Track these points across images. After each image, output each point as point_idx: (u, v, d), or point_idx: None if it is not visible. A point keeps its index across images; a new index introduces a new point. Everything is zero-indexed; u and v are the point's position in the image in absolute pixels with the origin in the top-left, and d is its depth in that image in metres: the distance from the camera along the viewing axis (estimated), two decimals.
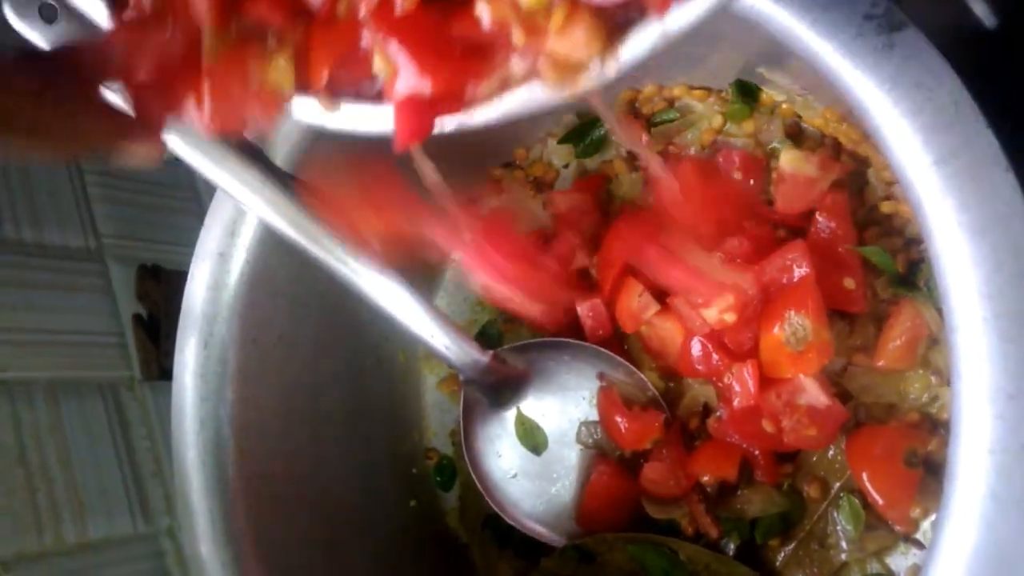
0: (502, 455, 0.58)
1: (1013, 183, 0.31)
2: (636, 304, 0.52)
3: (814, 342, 0.45)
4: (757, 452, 0.50)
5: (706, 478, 0.50)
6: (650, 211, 0.54)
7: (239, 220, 0.52)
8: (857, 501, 0.48)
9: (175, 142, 0.42)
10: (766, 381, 0.47)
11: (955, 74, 0.33)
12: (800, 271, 0.46)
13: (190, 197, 0.79)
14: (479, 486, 0.57)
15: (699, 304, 0.48)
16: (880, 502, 0.45)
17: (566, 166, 0.61)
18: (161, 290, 0.70)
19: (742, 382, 0.48)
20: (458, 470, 0.63)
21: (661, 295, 0.51)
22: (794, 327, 0.45)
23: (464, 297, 0.65)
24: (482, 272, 0.40)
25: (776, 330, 0.45)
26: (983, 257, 0.31)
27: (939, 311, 0.44)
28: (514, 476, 0.57)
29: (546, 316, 0.45)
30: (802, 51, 0.35)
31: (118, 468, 0.61)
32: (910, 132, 0.33)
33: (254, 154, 0.44)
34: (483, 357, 0.55)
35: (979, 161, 0.31)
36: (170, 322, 0.56)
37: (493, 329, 0.63)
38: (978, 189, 0.31)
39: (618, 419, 0.53)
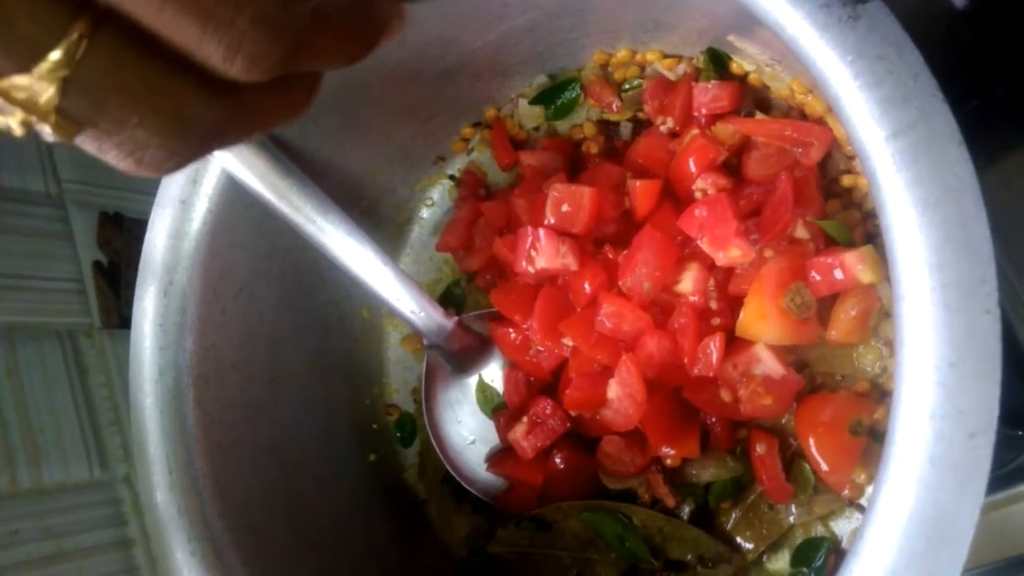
0: (462, 421, 0.58)
1: (966, 157, 0.31)
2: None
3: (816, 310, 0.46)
4: (713, 419, 0.51)
5: (669, 460, 0.51)
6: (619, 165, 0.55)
7: (202, 168, 0.51)
8: (807, 466, 0.49)
9: None
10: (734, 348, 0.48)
11: (916, 48, 0.33)
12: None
13: None
14: (438, 451, 0.57)
15: (714, 244, 0.48)
16: (823, 468, 0.46)
17: (536, 128, 0.61)
18: (123, 238, 0.69)
19: (706, 352, 0.48)
20: (418, 427, 0.63)
21: None
22: (802, 296, 0.46)
23: (429, 256, 0.65)
24: None
25: (782, 299, 0.46)
26: (933, 228, 0.31)
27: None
28: (472, 442, 0.58)
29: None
30: (768, 18, 0.35)
31: (75, 415, 0.60)
32: (869, 104, 0.33)
33: None
34: (447, 322, 0.55)
35: (934, 135, 0.32)
36: (131, 271, 0.55)
37: (457, 289, 0.63)
38: (932, 162, 0.32)
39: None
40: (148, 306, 0.51)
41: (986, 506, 0.31)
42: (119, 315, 0.66)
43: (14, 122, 0.22)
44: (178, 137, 0.24)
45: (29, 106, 0.22)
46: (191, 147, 0.24)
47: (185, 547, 0.48)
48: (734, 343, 0.48)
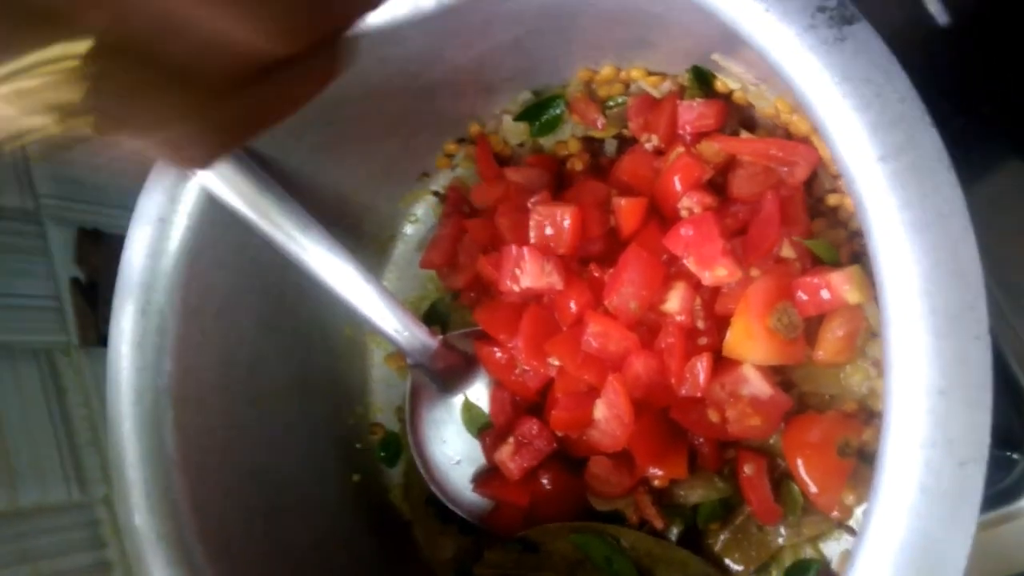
0: (447, 441, 0.57)
1: (954, 182, 0.31)
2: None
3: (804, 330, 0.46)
4: (701, 440, 0.50)
5: (657, 481, 0.50)
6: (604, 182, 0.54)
7: (181, 185, 0.50)
8: (796, 487, 0.49)
9: None
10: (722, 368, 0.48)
11: (903, 71, 0.33)
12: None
13: None
14: (423, 472, 0.56)
15: (700, 263, 0.47)
16: (812, 489, 0.46)
17: (521, 145, 0.60)
18: (101, 254, 0.68)
19: (693, 373, 0.48)
20: (403, 446, 0.62)
21: None
22: (788, 315, 0.45)
23: (414, 273, 0.64)
24: None
25: (769, 319, 0.45)
26: (922, 254, 0.31)
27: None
28: (458, 462, 0.57)
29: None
30: (753, 40, 0.35)
31: (53, 435, 0.59)
32: (856, 127, 0.33)
33: None
34: (432, 342, 0.54)
35: (923, 159, 0.32)
36: (109, 288, 0.54)
37: (442, 306, 0.63)
38: (921, 187, 0.32)
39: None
40: (125, 326, 0.50)
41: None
42: (97, 332, 0.65)
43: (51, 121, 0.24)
44: (209, 132, 0.26)
45: (65, 108, 0.23)
46: (223, 138, 0.28)
47: (164, 572, 0.47)
48: (721, 363, 0.48)
